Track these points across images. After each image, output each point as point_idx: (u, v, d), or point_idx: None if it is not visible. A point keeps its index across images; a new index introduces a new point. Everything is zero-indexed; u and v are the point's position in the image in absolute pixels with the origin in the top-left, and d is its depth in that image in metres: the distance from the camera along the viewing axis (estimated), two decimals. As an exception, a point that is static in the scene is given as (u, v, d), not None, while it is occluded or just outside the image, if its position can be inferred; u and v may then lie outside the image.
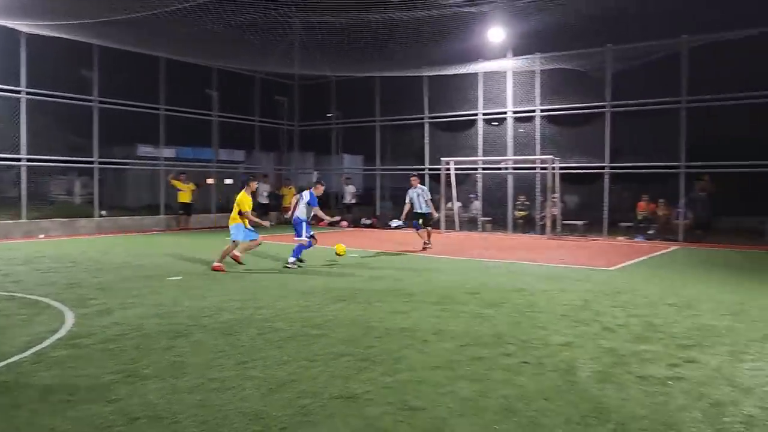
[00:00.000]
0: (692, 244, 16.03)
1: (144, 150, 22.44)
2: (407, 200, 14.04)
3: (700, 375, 4.78)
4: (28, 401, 4.13)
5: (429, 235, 14.13)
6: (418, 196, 13.93)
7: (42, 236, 16.92)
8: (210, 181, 22.87)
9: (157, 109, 20.29)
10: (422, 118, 21.65)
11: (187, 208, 20.33)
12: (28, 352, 5.30)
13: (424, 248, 13.85)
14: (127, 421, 3.79)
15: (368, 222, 22.63)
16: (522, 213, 19.84)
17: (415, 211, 13.99)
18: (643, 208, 17.99)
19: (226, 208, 22.32)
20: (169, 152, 21.77)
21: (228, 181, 25.04)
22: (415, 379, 4.59)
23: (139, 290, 8.44)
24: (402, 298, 7.95)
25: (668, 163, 17.09)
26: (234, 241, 11.05)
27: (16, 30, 15.87)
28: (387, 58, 18.04)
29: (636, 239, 17.20)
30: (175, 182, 19.92)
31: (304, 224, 11.54)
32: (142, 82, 20.01)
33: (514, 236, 18.71)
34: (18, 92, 16.82)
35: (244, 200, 10.92)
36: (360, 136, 24.56)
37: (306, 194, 11.64)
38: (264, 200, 22.58)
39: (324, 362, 5.03)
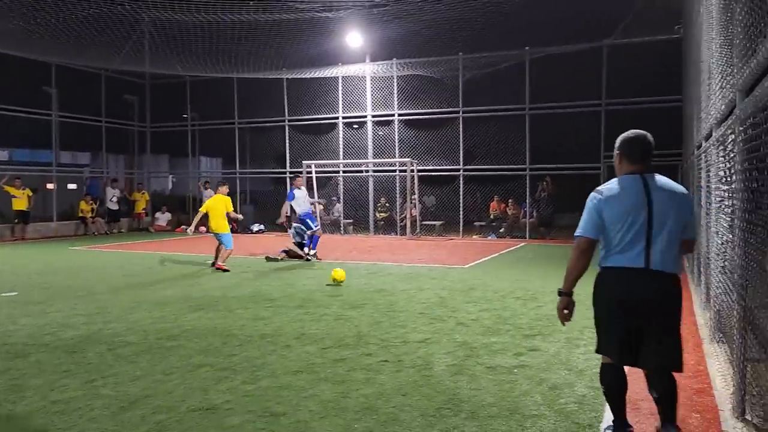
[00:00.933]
0: (537, 240, 17.37)
1: (-30, 152, 20.18)
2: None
3: (541, 362, 5.20)
4: None
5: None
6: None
7: None
8: (50, 186, 21.03)
9: (-14, 107, 18.28)
10: (283, 121, 21.47)
11: (24, 217, 18.49)
12: None
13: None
14: (-49, 456, 3.40)
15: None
16: (383, 215, 20.35)
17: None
18: (494, 207, 19.18)
19: (70, 215, 20.79)
20: (0, 155, 19.72)
21: (71, 186, 23.23)
22: (276, 385, 4.55)
23: (-35, 309, 7.57)
24: (263, 304, 7.85)
25: (515, 166, 18.39)
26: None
27: None
28: (245, 59, 17.70)
29: (489, 237, 18.31)
30: (8, 188, 18.06)
31: (308, 219, 12.54)
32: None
33: (375, 237, 19.13)
34: None
35: (227, 200, 11.48)
36: (218, 138, 23.81)
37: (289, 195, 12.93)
38: (113, 206, 21.18)
39: (181, 375, 4.84)
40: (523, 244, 16.57)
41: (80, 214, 20.47)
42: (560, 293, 3.55)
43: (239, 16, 13.15)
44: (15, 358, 5.37)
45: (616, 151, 3.50)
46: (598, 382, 3.51)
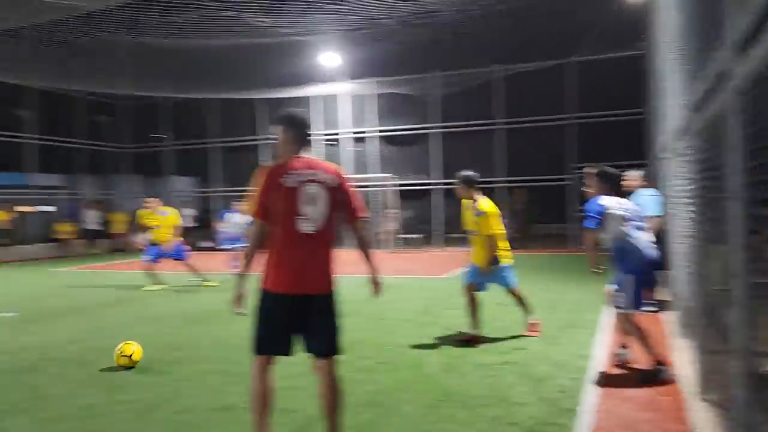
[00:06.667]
0: (516, 251, 17.86)
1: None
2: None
3: (526, 358, 5.64)
4: None
5: None
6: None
7: None
8: (23, 209, 20.85)
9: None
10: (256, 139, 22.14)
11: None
12: None
13: None
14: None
15: (207, 245, 22.14)
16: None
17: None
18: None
19: (45, 237, 20.60)
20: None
21: (45, 208, 23.00)
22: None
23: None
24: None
25: (490, 178, 19.01)
26: None
27: None
28: (224, 81, 18.04)
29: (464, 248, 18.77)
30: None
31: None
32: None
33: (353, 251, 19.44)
34: None
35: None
36: (192, 157, 24.10)
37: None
38: (93, 226, 21.20)
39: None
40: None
41: (58, 236, 20.43)
42: None
43: (223, 41, 13.48)
44: (30, 371, 5.60)
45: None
46: (578, 374, 3.94)
